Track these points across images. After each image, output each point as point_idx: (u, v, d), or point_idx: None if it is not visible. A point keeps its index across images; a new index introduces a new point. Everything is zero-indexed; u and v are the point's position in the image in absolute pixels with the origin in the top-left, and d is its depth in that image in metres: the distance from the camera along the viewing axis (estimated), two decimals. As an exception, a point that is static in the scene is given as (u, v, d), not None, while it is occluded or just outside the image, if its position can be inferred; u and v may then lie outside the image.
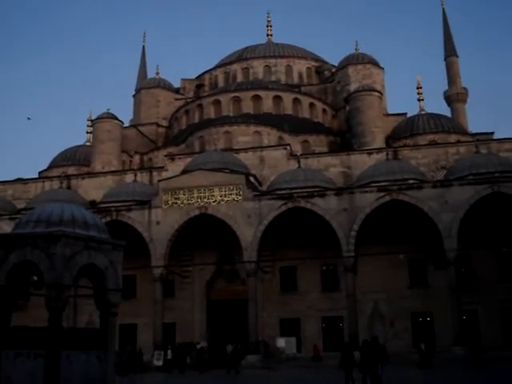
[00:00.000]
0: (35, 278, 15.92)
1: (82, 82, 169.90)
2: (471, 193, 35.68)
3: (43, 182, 50.18)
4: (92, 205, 42.96)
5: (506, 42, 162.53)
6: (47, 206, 16.33)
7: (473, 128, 64.84)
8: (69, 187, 47.57)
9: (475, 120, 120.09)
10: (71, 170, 54.08)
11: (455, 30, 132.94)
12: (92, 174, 49.98)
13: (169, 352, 36.25)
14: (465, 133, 52.76)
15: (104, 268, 15.64)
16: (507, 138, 45.17)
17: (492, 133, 51.94)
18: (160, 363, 36.06)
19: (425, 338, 32.74)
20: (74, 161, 56.17)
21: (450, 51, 79.27)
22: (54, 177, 50.73)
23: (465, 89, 77.07)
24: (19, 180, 50.97)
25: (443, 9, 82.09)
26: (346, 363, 21.98)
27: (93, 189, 47.36)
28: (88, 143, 58.88)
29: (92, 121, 57.02)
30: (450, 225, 35.31)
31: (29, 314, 29.50)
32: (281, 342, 38.20)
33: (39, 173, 56.23)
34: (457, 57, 79.18)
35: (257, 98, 56.87)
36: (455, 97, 75.87)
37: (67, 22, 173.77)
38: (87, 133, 60.76)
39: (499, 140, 45.72)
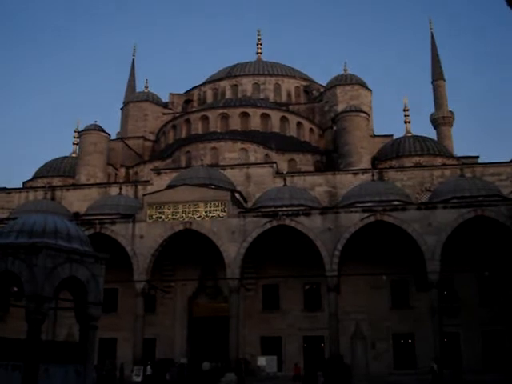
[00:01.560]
0: (15, 288, 15.78)
1: (70, 93, 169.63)
2: (455, 216, 35.86)
3: (27, 192, 49.78)
4: (76, 217, 42.65)
5: (492, 67, 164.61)
6: (30, 217, 16.25)
7: (458, 151, 65.46)
8: (53, 198, 47.24)
9: (461, 143, 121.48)
10: (56, 181, 53.69)
11: (443, 54, 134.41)
12: (77, 186, 49.69)
13: (148, 368, 35.89)
14: (450, 156, 53.16)
15: (85, 281, 15.54)
16: (492, 162, 45.57)
17: (477, 157, 52.43)
18: (139, 379, 35.66)
19: (437, 359, 32.56)
20: (59, 172, 55.81)
21: (437, 75, 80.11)
22: (39, 187, 50.37)
23: (451, 112, 77.84)
24: (3, 189, 50.48)
25: (431, 32, 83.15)
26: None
27: (77, 201, 47.05)
28: (74, 155, 58.62)
29: (79, 132, 56.80)
30: (433, 247, 35.42)
31: (8, 326, 29.21)
32: (261, 361, 38.02)
33: (23, 183, 55.82)
34: (444, 80, 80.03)
35: (245, 115, 57.02)
36: (441, 120, 76.58)
37: (57, 32, 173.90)
38: (73, 144, 60.47)
39: (484, 164, 46.12)
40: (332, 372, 20.72)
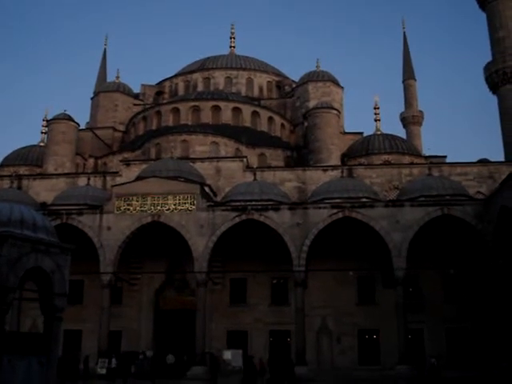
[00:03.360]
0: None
1: (39, 81, 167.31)
2: (422, 214, 36.30)
3: (-7, 180, 48.99)
4: (42, 207, 42.11)
5: (463, 68, 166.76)
6: (-4, 206, 15.97)
7: (426, 150, 66.16)
8: (19, 187, 46.51)
9: (429, 143, 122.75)
10: (23, 170, 52.95)
11: (414, 54, 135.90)
12: (44, 176, 49.01)
13: (113, 360, 35.66)
14: (418, 155, 53.76)
15: (51, 272, 15.37)
16: (459, 162, 46.18)
17: (445, 156, 53.15)
18: (104, 371, 35.41)
19: (435, 354, 32.69)
20: (27, 161, 55.00)
21: (408, 74, 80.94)
22: (5, 176, 49.56)
23: (421, 112, 78.77)
24: (-32, 177, 49.61)
25: (404, 32, 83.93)
26: (247, 380, 20.20)
27: (44, 190, 46.44)
28: (42, 144, 57.78)
29: (47, 121, 56.04)
30: (399, 244, 35.83)
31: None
32: (227, 355, 38.03)
33: (-11, 171, 54.91)
34: (415, 80, 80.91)
35: (216, 108, 56.88)
36: (411, 119, 77.50)
37: (26, 20, 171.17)
38: (42, 133, 59.69)
39: (451, 164, 46.72)
40: (277, 369, 19.59)
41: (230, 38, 75.43)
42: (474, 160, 46.71)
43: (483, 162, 46.78)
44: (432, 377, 31.49)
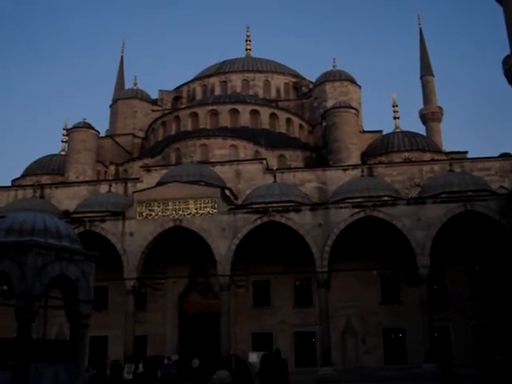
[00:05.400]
0: (5, 287, 15.70)
1: (59, 90, 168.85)
2: (444, 211, 35.99)
3: (16, 190, 49.46)
4: (65, 215, 42.48)
5: (481, 62, 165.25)
6: (19, 215, 16.15)
7: (447, 146, 65.79)
8: (42, 196, 47.00)
9: (450, 139, 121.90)
10: (45, 179, 53.42)
11: (432, 50, 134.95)
12: (66, 184, 49.44)
13: (140, 365, 35.81)
14: (439, 151, 53.37)
15: (76, 279, 15.48)
16: (480, 157, 45.78)
17: (466, 152, 52.69)
18: (130, 376, 35.57)
19: (501, 350, 32.15)
20: (48, 170, 55.51)
21: (425, 70, 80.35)
22: (27, 185, 50.09)
23: (440, 108, 78.10)
24: (-9, 188, 50.20)
25: (420, 28, 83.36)
26: (239, 382, 19.33)
27: (66, 198, 46.85)
28: (63, 152, 58.30)
29: (67, 130, 56.51)
30: (422, 242, 35.54)
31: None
32: (252, 357, 37.91)
33: (12, 181, 55.49)
34: (432, 76, 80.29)
35: (234, 111, 56.96)
36: (430, 115, 76.86)
37: (45, 28, 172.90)
38: (62, 142, 60.19)
39: (473, 159, 46.30)
40: (269, 369, 18.71)
41: (246, 41, 75.62)
42: (496, 154, 46.27)
43: (505, 156, 46.34)
44: (498, 374, 30.81)
